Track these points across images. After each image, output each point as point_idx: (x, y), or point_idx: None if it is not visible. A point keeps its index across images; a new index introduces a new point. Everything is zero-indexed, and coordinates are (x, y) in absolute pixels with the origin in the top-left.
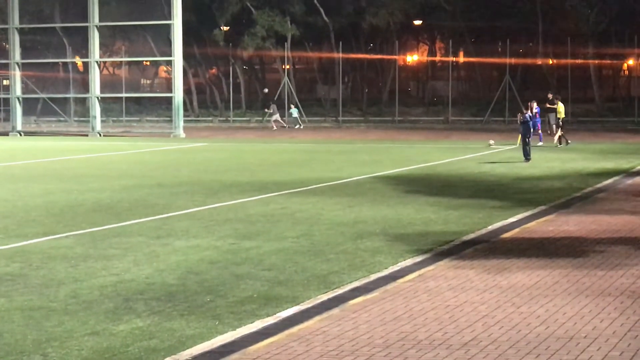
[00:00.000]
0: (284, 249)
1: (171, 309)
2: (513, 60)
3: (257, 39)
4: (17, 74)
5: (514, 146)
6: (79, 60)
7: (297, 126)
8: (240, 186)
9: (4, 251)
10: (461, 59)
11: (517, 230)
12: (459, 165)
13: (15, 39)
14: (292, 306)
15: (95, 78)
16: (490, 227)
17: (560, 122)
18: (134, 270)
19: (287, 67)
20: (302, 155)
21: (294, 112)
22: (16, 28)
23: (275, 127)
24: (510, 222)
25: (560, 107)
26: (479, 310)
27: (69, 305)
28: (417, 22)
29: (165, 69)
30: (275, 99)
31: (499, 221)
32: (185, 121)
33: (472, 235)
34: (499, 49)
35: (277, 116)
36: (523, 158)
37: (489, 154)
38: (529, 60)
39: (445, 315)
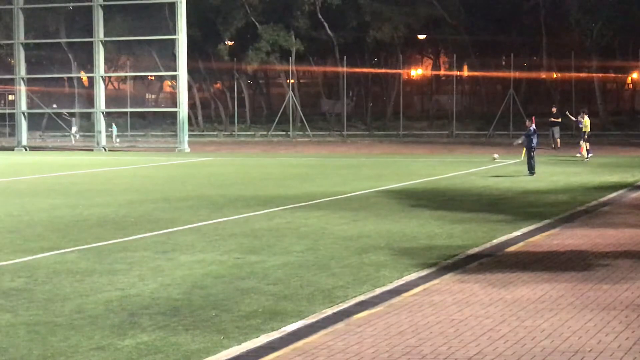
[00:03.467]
0: (289, 263)
1: (176, 323)
2: (517, 74)
3: (262, 54)
4: (23, 89)
5: (518, 160)
6: (84, 75)
7: (117, 140)
8: (245, 200)
9: (9, 266)
10: (465, 73)
11: (521, 244)
12: (463, 179)
13: (21, 54)
14: (297, 320)
15: (100, 93)
16: (494, 241)
17: (586, 136)
18: (139, 285)
19: (292, 81)
20: (306, 169)
21: (114, 129)
22: (21, 43)
23: (74, 142)
24: (514, 235)
25: (587, 121)
26: (483, 324)
27: (74, 320)
28: (421, 37)
29: (170, 83)
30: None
31: (503, 235)
32: (190, 136)
33: (476, 249)
34: (503, 63)
35: (75, 129)
36: (527, 172)
37: (494, 168)
38: (533, 74)
39: (450, 329)
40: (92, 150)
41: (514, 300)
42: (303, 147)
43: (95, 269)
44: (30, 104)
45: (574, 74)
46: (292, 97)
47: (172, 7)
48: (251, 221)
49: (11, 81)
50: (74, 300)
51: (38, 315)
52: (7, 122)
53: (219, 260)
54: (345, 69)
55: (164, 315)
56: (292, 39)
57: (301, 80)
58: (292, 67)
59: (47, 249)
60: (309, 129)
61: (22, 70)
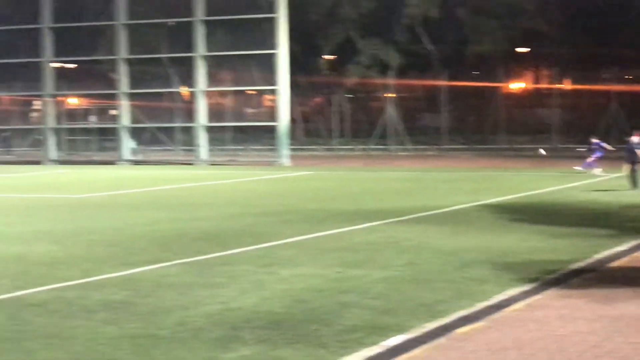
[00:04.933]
0: (389, 277)
1: (277, 337)
2: (621, 87)
3: (362, 68)
4: (125, 103)
5: (620, 174)
6: (184, 90)
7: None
8: (345, 215)
9: (112, 279)
10: (566, 86)
11: (626, 259)
12: (564, 194)
13: (123, 69)
14: (398, 335)
15: (201, 107)
16: (597, 256)
17: None
18: (240, 299)
19: (391, 95)
20: (406, 183)
21: (134, 144)
22: (123, 59)
23: None
24: (618, 250)
25: None
26: (587, 341)
27: (176, 333)
28: (522, 50)
29: (270, 97)
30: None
31: (606, 250)
32: (290, 149)
33: (579, 264)
34: (606, 76)
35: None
36: (631, 186)
37: (595, 182)
38: (637, 87)
39: (553, 345)
40: (192, 164)
41: (618, 316)
42: (402, 161)
43: (196, 282)
44: (132, 119)
45: None
46: (392, 111)
47: (272, 22)
48: (351, 235)
49: (113, 96)
50: (176, 313)
51: (141, 328)
52: (109, 137)
53: (320, 274)
54: (445, 83)
55: (265, 329)
56: (392, 53)
57: (401, 94)
58: (391, 81)
59: (150, 262)
60: (408, 143)
61: (124, 85)
